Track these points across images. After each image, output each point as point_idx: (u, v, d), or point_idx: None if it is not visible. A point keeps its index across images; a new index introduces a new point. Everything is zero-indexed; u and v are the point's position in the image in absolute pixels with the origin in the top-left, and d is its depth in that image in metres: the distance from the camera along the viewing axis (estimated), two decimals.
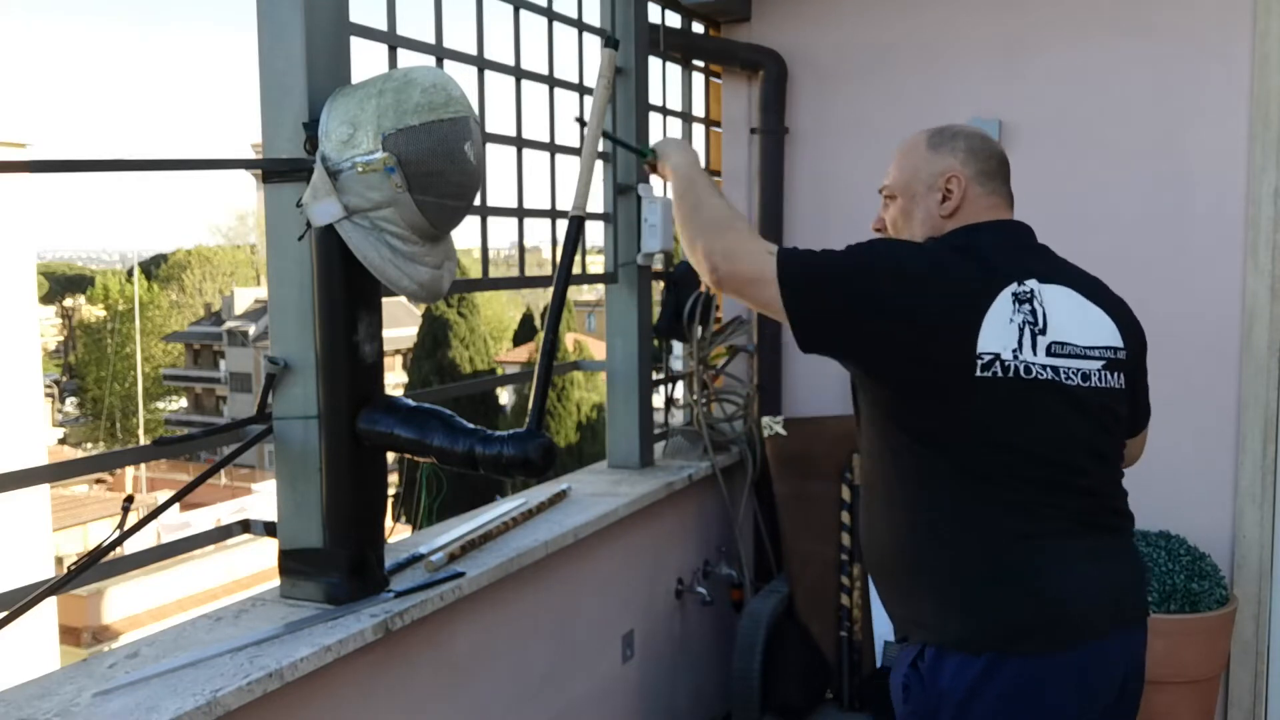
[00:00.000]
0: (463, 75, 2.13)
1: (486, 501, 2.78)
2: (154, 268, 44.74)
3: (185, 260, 45.07)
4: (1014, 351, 1.56)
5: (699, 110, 3.80)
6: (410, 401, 1.95)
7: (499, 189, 2.62)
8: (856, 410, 1.77)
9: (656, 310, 3.27)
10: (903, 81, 3.46)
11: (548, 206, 2.81)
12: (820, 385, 3.53)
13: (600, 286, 3.26)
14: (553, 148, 2.82)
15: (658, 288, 3.31)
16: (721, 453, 3.34)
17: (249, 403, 22.13)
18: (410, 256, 1.83)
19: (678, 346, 3.48)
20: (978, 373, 1.54)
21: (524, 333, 27.68)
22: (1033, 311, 1.58)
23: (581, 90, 2.94)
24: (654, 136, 3.21)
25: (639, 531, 2.92)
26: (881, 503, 1.69)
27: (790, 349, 3.66)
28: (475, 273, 2.86)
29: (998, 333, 1.55)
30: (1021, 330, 1.57)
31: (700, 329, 3.30)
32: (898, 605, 1.70)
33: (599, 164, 2.94)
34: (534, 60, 2.79)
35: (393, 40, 2.20)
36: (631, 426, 3.10)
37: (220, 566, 14.80)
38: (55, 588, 1.65)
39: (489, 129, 2.45)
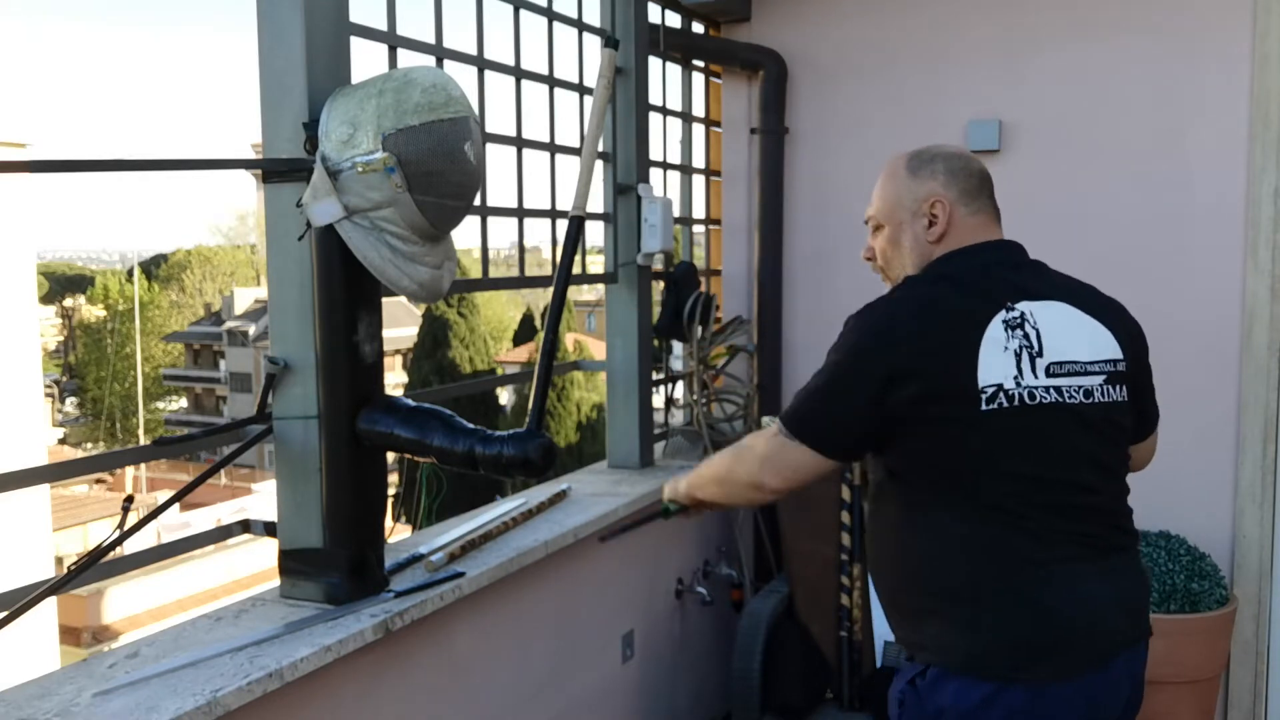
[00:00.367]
0: (463, 75, 2.14)
1: (486, 501, 2.78)
2: (154, 268, 44.74)
3: (185, 260, 45.07)
4: (1015, 379, 1.55)
5: (699, 110, 3.80)
6: (410, 401, 1.95)
7: (499, 189, 2.63)
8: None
9: (656, 310, 3.27)
10: (903, 81, 3.46)
11: (548, 206, 2.81)
12: None
13: (600, 286, 3.26)
14: (553, 148, 2.82)
15: (658, 288, 3.31)
16: None
17: (249, 403, 22.13)
18: (410, 256, 1.83)
19: (678, 346, 3.48)
20: (983, 407, 1.53)
21: (524, 333, 27.68)
22: (1026, 335, 1.58)
23: (581, 90, 2.94)
24: (654, 136, 3.21)
25: (639, 531, 2.91)
26: (888, 527, 1.68)
27: (790, 349, 3.66)
28: (475, 273, 2.86)
29: (996, 363, 1.55)
30: (1019, 356, 1.56)
31: (700, 329, 3.30)
32: (903, 629, 1.69)
33: (599, 164, 2.94)
34: (534, 60, 2.79)
35: (393, 40, 2.20)
36: (631, 426, 3.10)
37: (220, 566, 14.80)
38: (55, 588, 1.66)
39: (489, 129, 2.45)
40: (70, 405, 38.49)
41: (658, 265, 3.21)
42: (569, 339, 21.28)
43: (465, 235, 3.17)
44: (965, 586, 1.57)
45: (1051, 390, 1.57)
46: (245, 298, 37.60)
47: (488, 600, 2.25)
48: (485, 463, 1.87)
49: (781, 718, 3.19)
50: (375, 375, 1.96)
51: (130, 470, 20.05)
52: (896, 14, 3.46)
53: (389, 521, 2.10)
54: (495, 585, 2.24)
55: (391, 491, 2.23)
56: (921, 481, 1.61)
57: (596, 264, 3.17)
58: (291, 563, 1.94)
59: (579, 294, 24.10)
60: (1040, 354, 1.57)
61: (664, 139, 3.46)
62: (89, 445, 33.43)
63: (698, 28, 3.68)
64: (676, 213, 3.57)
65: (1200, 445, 3.12)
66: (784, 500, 3.37)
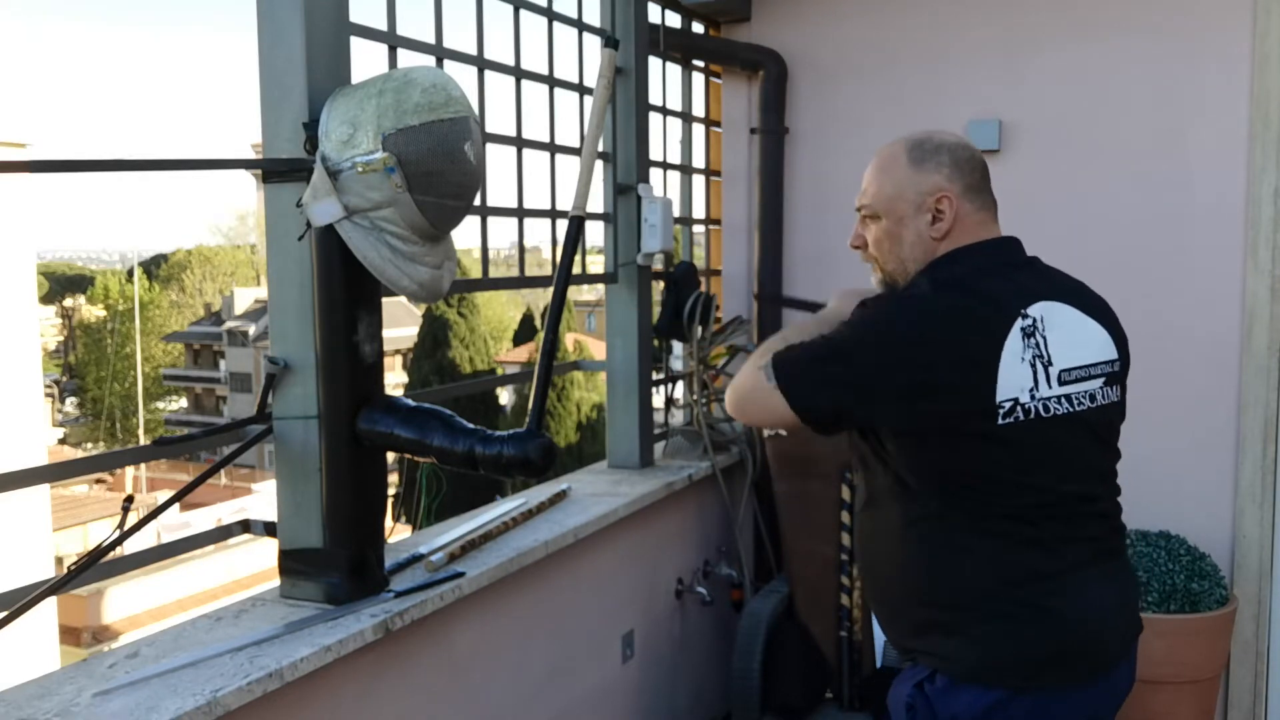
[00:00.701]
0: (463, 75, 2.13)
1: (486, 501, 2.78)
2: (154, 268, 44.75)
3: (185, 260, 45.09)
4: (1031, 392, 1.53)
5: (699, 110, 3.80)
6: (410, 401, 1.95)
7: (499, 189, 2.63)
8: (852, 444, 1.72)
9: (656, 310, 3.27)
10: (903, 81, 3.46)
11: (548, 206, 2.81)
12: None
13: (600, 286, 3.26)
14: (553, 148, 2.82)
15: (658, 288, 3.31)
16: (721, 453, 3.34)
17: (249, 403, 22.14)
18: (410, 256, 1.83)
19: (678, 346, 3.48)
20: (999, 421, 1.51)
21: (524, 333, 27.68)
22: (1038, 344, 1.55)
23: (581, 90, 2.94)
24: (654, 136, 3.21)
25: (639, 531, 2.92)
26: (889, 536, 1.65)
27: None
28: (475, 273, 2.86)
29: (1014, 376, 1.52)
30: (1034, 366, 1.54)
31: (700, 329, 3.30)
32: (904, 636, 1.67)
33: (599, 164, 2.94)
34: (534, 60, 2.79)
35: (393, 40, 2.20)
36: (631, 426, 3.10)
37: (220, 566, 14.80)
38: (55, 588, 1.65)
39: (489, 129, 2.45)
40: (70, 405, 38.50)
41: (658, 265, 3.21)
42: (569, 339, 21.28)
43: (465, 235, 3.17)
44: (976, 598, 1.55)
45: (1063, 400, 1.55)
46: (245, 298, 37.60)
47: (488, 600, 2.25)
48: (485, 463, 1.87)
49: (781, 718, 3.19)
50: (375, 375, 1.96)
51: (130, 470, 20.06)
52: (896, 14, 3.46)
53: (389, 521, 2.10)
54: (495, 585, 2.24)
55: (391, 491, 2.23)
56: (930, 492, 1.58)
57: (596, 264, 3.17)
58: (291, 563, 1.94)
59: (579, 294, 24.08)
60: (1051, 362, 1.55)
61: (664, 139, 3.46)
62: (89, 445, 33.44)
63: (698, 28, 3.68)
64: (676, 213, 3.57)
65: (1200, 445, 3.12)
66: (784, 500, 3.37)
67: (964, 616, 1.56)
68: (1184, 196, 3.12)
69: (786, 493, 3.36)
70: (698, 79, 3.77)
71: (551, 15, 2.78)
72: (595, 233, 2.99)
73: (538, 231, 9.89)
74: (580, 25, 2.92)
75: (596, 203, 2.98)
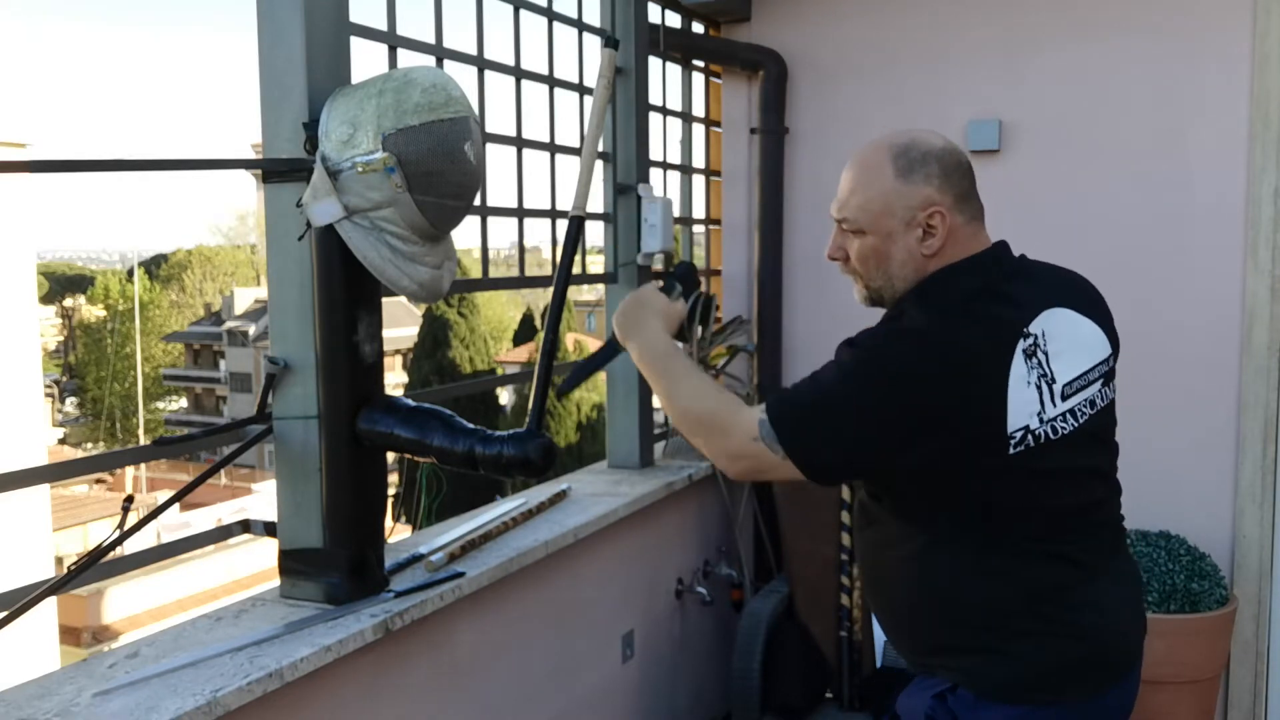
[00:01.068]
0: (463, 75, 2.13)
1: (486, 501, 2.78)
2: (154, 268, 44.75)
3: (186, 260, 45.08)
4: (1039, 415, 1.48)
5: (699, 110, 3.80)
6: (410, 401, 1.95)
7: (499, 189, 2.63)
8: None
9: None
10: (903, 81, 3.46)
11: (548, 206, 2.81)
12: None
13: (600, 286, 3.26)
14: (553, 148, 2.82)
15: None
16: None
17: (249, 403, 22.13)
18: (410, 256, 1.83)
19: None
20: (1010, 451, 1.46)
21: (524, 333, 27.67)
22: (1040, 363, 1.50)
23: (581, 90, 2.94)
24: (654, 136, 3.21)
25: (639, 531, 2.92)
26: (899, 562, 1.59)
27: (790, 349, 3.66)
28: (475, 273, 2.86)
29: (1021, 402, 1.46)
30: (1039, 388, 1.48)
31: (700, 329, 3.30)
32: (920, 654, 1.62)
33: (599, 164, 2.94)
34: (534, 60, 2.79)
35: (393, 40, 2.20)
36: (631, 426, 3.10)
37: (220, 566, 14.80)
38: (55, 588, 1.65)
39: (489, 129, 2.45)
40: (70, 405, 38.49)
41: (658, 265, 3.21)
42: (569, 339, 21.28)
43: (465, 235, 3.17)
44: (1000, 617, 1.52)
45: (1068, 416, 1.51)
46: (245, 298, 37.60)
47: (488, 600, 2.25)
48: (485, 463, 1.88)
49: (781, 718, 3.19)
50: (375, 375, 1.96)
51: (130, 470, 20.06)
52: (896, 14, 3.46)
53: (389, 521, 2.10)
54: (495, 585, 2.24)
55: (391, 491, 2.23)
56: (943, 518, 1.54)
57: (596, 264, 3.17)
58: (291, 563, 1.94)
59: (579, 294, 24.12)
60: (1054, 380, 1.50)
61: (664, 139, 3.46)
62: (89, 445, 33.43)
63: (698, 28, 3.68)
64: (676, 213, 3.57)
65: (1200, 445, 3.12)
66: (784, 500, 3.37)
67: (988, 636, 1.52)
68: (1184, 196, 3.12)
69: (786, 493, 3.36)
70: (698, 79, 3.77)
71: (551, 15, 2.78)
72: (595, 233, 3.00)
73: (538, 231, 9.90)
74: (580, 25, 2.92)
75: (596, 203, 2.98)
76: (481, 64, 2.51)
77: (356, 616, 1.87)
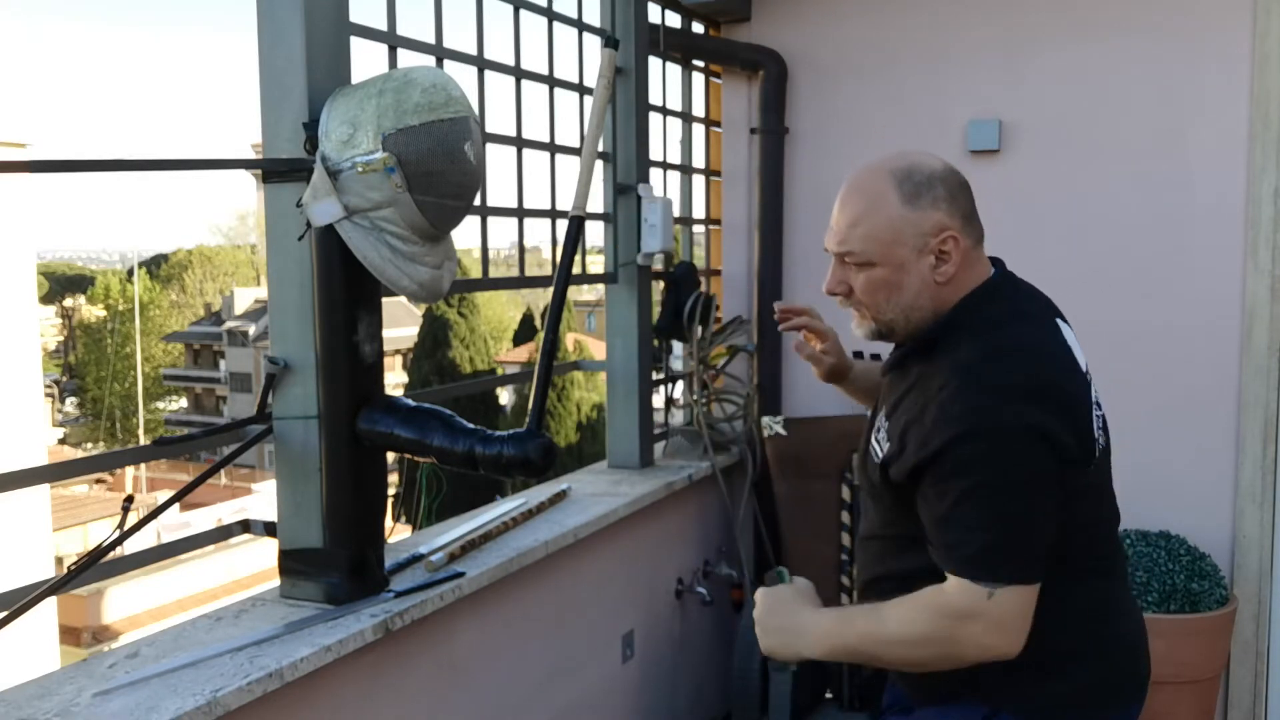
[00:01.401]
0: (463, 75, 2.13)
1: (486, 501, 2.78)
2: (154, 268, 44.75)
3: (186, 260, 45.09)
4: (1099, 425, 1.47)
5: (699, 110, 3.80)
6: (410, 401, 1.95)
7: (499, 189, 2.63)
8: (872, 492, 1.58)
9: (657, 310, 3.27)
10: (903, 81, 3.46)
11: (548, 206, 2.81)
12: (820, 386, 3.52)
13: (600, 286, 3.26)
14: (553, 148, 2.82)
15: (658, 288, 3.31)
16: (721, 453, 3.34)
17: (249, 403, 22.13)
18: (410, 256, 1.83)
19: (678, 346, 3.48)
20: (1093, 464, 1.45)
21: (524, 333, 27.69)
22: (1085, 372, 1.49)
23: (581, 90, 2.94)
24: (654, 136, 3.21)
25: (639, 531, 2.92)
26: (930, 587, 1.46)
27: (790, 349, 3.66)
28: (475, 273, 2.86)
29: (1092, 418, 1.45)
30: (1093, 399, 1.48)
31: (700, 329, 3.30)
32: (948, 684, 1.50)
33: (599, 164, 2.94)
34: (534, 60, 2.79)
35: (393, 40, 2.20)
36: (631, 426, 3.10)
37: (220, 566, 14.81)
38: (55, 588, 1.65)
39: (489, 129, 2.45)
40: (70, 405, 38.49)
41: (658, 265, 3.21)
42: (569, 339, 21.29)
43: (465, 235, 3.17)
44: (1053, 639, 1.44)
45: (1103, 425, 1.50)
46: (245, 298, 37.61)
47: (488, 600, 2.25)
48: (485, 463, 1.87)
49: (781, 718, 3.19)
50: (375, 375, 1.96)
51: (130, 470, 20.06)
52: (896, 14, 3.46)
53: (389, 521, 2.10)
54: (495, 585, 2.24)
55: (391, 491, 2.23)
56: None
57: (596, 264, 3.17)
58: (291, 563, 1.94)
59: (579, 294, 24.12)
60: (1091, 387, 1.49)
61: (664, 139, 3.46)
62: (89, 445, 33.44)
63: (698, 28, 3.68)
64: (676, 213, 3.57)
65: (1200, 445, 3.12)
66: (784, 500, 3.37)
67: (1045, 657, 1.44)
68: (1184, 196, 3.12)
69: (787, 493, 3.36)
70: (698, 79, 3.77)
71: (551, 15, 2.78)
72: (595, 233, 3.00)
73: (538, 231, 9.89)
74: (580, 25, 2.92)
75: (596, 203, 2.98)
76: (481, 64, 2.51)
77: (356, 616, 1.87)
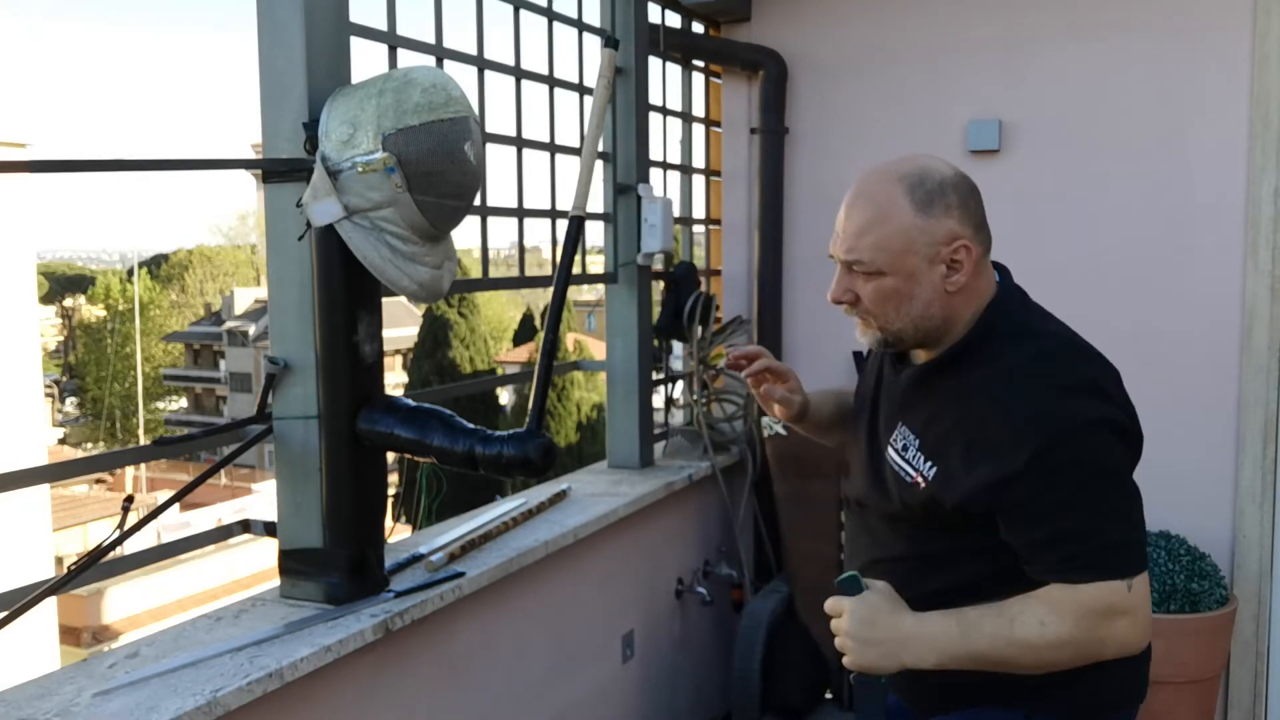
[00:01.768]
0: (463, 75, 2.14)
1: (486, 501, 2.78)
2: (154, 268, 44.76)
3: (186, 260, 45.09)
4: None
5: (699, 110, 3.80)
6: (410, 401, 1.95)
7: (499, 189, 2.63)
8: (902, 514, 1.51)
9: (657, 310, 3.27)
10: (903, 81, 3.46)
11: (548, 206, 2.81)
12: (820, 385, 3.51)
13: (600, 286, 3.26)
14: (553, 148, 2.82)
15: (658, 288, 3.31)
16: (721, 453, 3.34)
17: (249, 403, 22.13)
18: (410, 256, 1.83)
19: (678, 346, 3.48)
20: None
21: (524, 333, 27.69)
22: None
23: (581, 90, 2.94)
24: (654, 136, 3.21)
25: (639, 531, 2.92)
26: (973, 599, 1.41)
27: (790, 349, 3.66)
28: (475, 273, 2.86)
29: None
30: None
31: (700, 329, 3.30)
32: (977, 692, 1.47)
33: (599, 164, 2.94)
34: (534, 60, 2.79)
35: (393, 40, 2.20)
36: (631, 426, 3.10)
37: (220, 566, 14.81)
38: (55, 588, 1.65)
39: (489, 129, 2.45)
40: (70, 405, 38.49)
41: (658, 265, 3.21)
42: (569, 339, 21.29)
43: (465, 235, 3.17)
44: None
45: None
46: (245, 298, 37.61)
47: (488, 600, 2.25)
48: (485, 463, 1.87)
49: (781, 718, 3.19)
50: (375, 375, 1.96)
51: (130, 470, 20.06)
52: (896, 14, 3.46)
53: (389, 521, 2.10)
54: (495, 585, 2.24)
55: (391, 491, 2.23)
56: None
57: (596, 264, 3.17)
58: (291, 563, 1.94)
59: (579, 294, 24.11)
60: None
61: (664, 139, 3.46)
62: (89, 445, 33.44)
63: (698, 28, 3.68)
64: (676, 213, 3.58)
65: (1200, 445, 3.12)
66: (784, 500, 3.37)
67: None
68: (1184, 196, 3.12)
69: (786, 493, 3.36)
70: (698, 79, 3.77)
71: (551, 15, 2.78)
72: (595, 233, 3.00)
73: (538, 231, 9.90)
74: (580, 25, 2.92)
75: (596, 203, 2.98)
76: (481, 64, 2.51)
77: (356, 616, 1.87)
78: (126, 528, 1.74)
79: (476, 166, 1.85)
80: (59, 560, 10.59)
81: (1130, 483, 1.40)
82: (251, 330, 35.48)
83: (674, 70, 3.63)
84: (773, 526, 3.48)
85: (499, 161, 2.79)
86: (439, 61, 2.36)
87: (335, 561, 1.91)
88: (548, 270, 2.67)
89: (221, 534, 2.14)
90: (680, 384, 3.57)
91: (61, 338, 44.87)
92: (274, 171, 1.88)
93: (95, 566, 1.71)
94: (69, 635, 12.14)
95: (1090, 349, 1.47)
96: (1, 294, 9.70)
